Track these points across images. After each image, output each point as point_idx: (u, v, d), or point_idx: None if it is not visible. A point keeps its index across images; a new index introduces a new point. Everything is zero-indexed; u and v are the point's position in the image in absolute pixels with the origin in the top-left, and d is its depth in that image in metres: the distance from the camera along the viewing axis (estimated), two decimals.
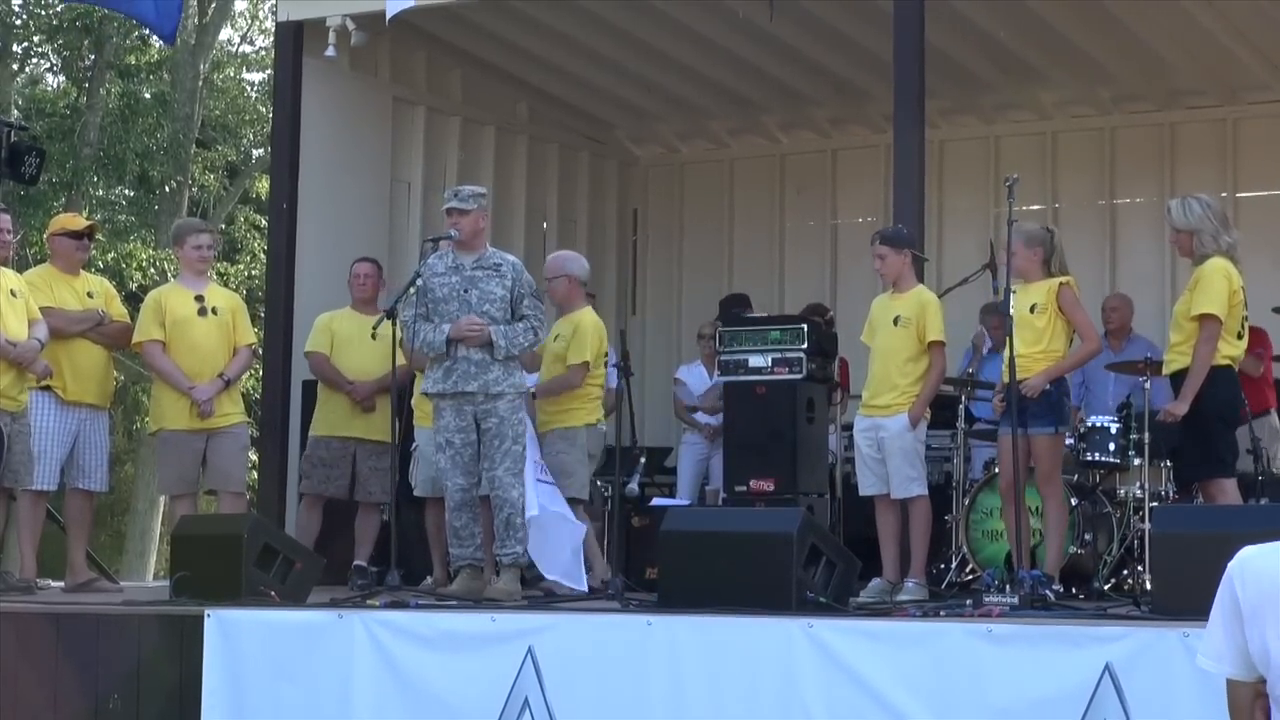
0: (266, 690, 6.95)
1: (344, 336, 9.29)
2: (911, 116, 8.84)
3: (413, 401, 8.90)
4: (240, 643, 7.03)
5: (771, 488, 8.84)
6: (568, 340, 8.71)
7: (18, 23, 23.75)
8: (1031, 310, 7.76)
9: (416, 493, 8.89)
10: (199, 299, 8.96)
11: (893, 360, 8.15)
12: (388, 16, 9.53)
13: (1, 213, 8.75)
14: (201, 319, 8.92)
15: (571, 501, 8.55)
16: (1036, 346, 7.75)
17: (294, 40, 10.57)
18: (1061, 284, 7.79)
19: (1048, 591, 7.09)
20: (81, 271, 9.24)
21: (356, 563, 9.17)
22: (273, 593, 7.44)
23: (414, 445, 8.94)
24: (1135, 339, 10.21)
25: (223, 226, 23.56)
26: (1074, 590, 8.22)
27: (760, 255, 13.33)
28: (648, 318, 13.48)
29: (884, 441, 8.11)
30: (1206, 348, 7.32)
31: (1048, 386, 7.70)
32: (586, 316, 8.85)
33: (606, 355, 8.96)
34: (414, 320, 7.98)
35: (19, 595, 8.29)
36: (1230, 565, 3.48)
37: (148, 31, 22.51)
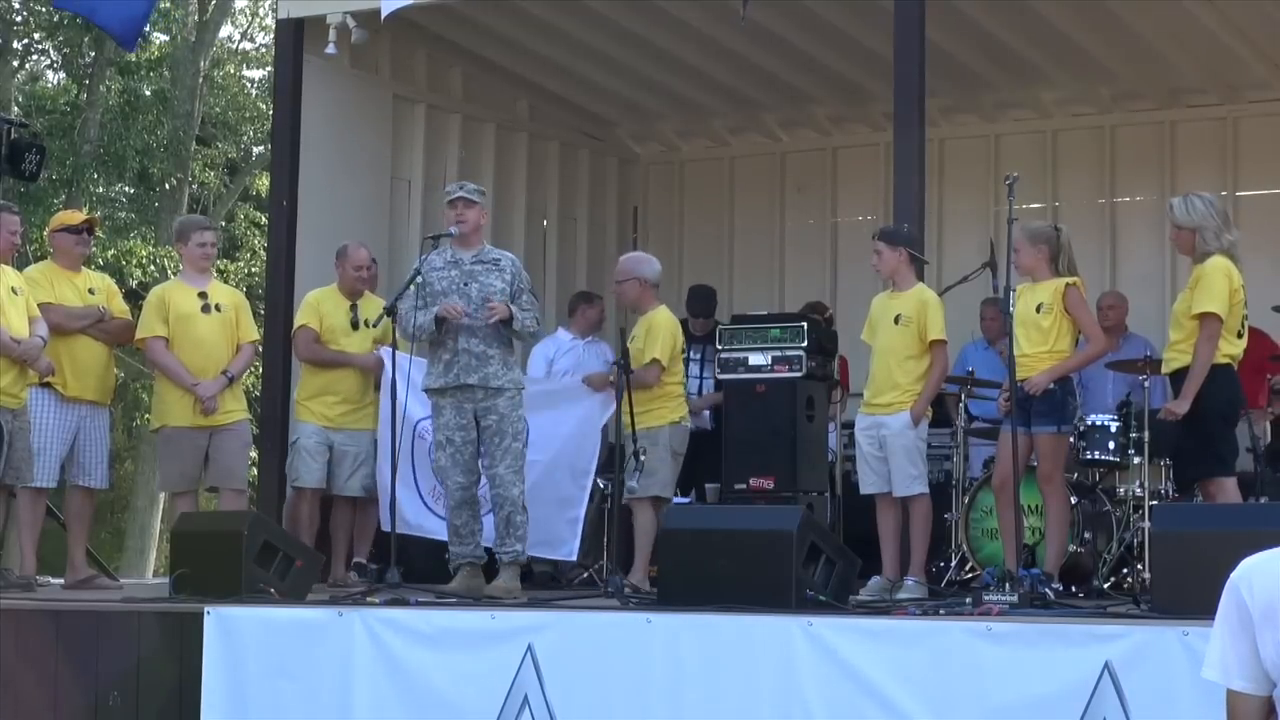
0: (266, 687, 6.94)
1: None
2: (912, 115, 8.84)
3: (295, 395, 9.02)
4: (240, 640, 7.02)
5: (771, 486, 8.84)
6: (642, 340, 8.72)
7: (18, 19, 23.75)
8: (1037, 310, 7.76)
9: (296, 484, 8.96)
10: (202, 295, 8.98)
11: (894, 359, 8.15)
12: (383, 14, 9.55)
13: (12, 214, 8.76)
14: (205, 316, 8.93)
15: (655, 500, 8.60)
16: (1042, 346, 7.75)
17: (294, 37, 10.57)
18: (1068, 284, 7.78)
19: (1047, 590, 7.10)
20: (83, 268, 9.24)
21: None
22: (272, 590, 7.45)
23: (294, 439, 9.00)
24: (1131, 337, 10.21)
25: (223, 224, 23.56)
26: (1074, 589, 8.23)
27: (760, 253, 13.32)
28: None
29: (886, 440, 8.11)
30: (1207, 346, 7.32)
31: (1052, 386, 7.70)
32: (660, 315, 8.90)
33: (684, 352, 8.97)
34: (411, 311, 8.03)
35: (19, 592, 8.28)
36: (1234, 575, 3.48)
37: (147, 29, 22.55)
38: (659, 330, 8.78)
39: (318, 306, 9.22)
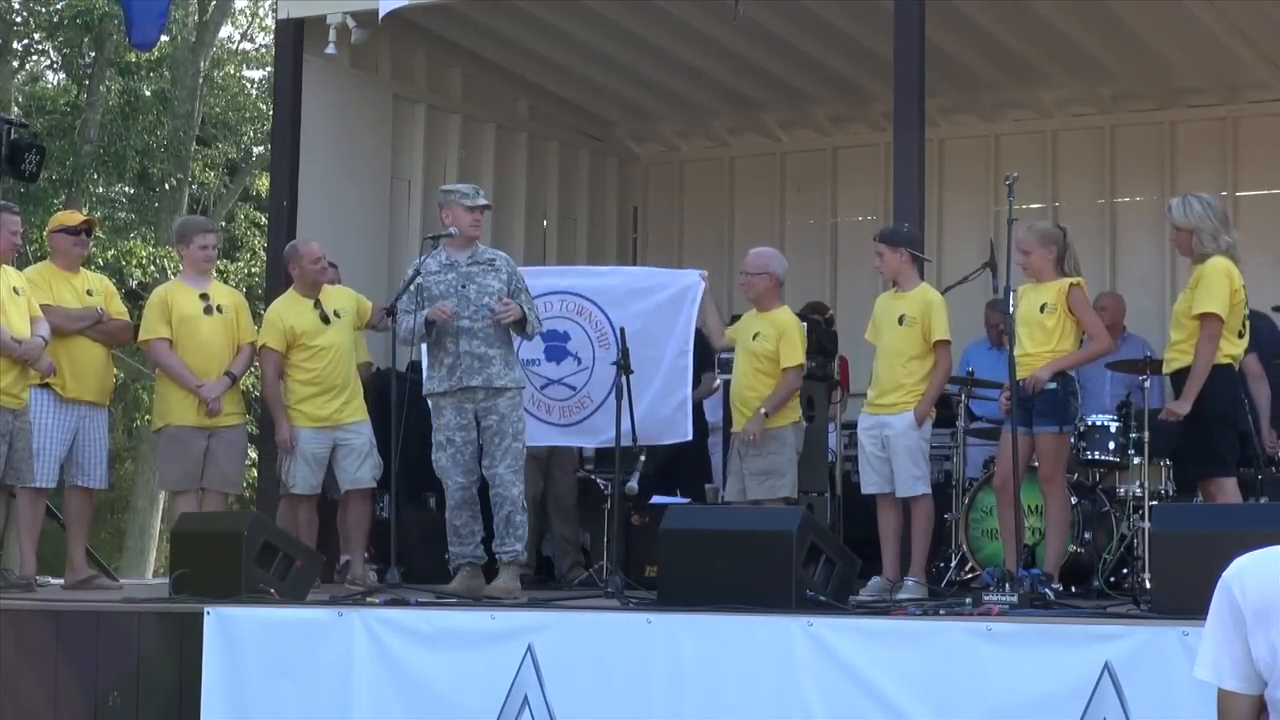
0: (266, 688, 6.95)
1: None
2: (912, 115, 8.85)
3: (286, 401, 8.96)
4: (240, 640, 7.02)
5: None
6: (773, 341, 8.62)
7: (18, 20, 23.75)
8: (1042, 310, 7.76)
9: (294, 491, 8.92)
10: (204, 297, 8.98)
11: (898, 359, 8.15)
12: (380, 14, 9.55)
13: (12, 215, 8.76)
14: (207, 317, 8.93)
15: (783, 500, 8.50)
16: (1046, 346, 7.74)
17: (294, 38, 10.58)
18: (1072, 285, 7.78)
19: (1047, 590, 7.10)
20: (81, 269, 9.24)
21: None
22: (272, 590, 7.45)
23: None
24: (1130, 338, 10.20)
25: (223, 224, 23.55)
26: (1073, 589, 8.22)
27: None
28: None
29: (890, 440, 8.10)
30: (1208, 347, 7.31)
31: (1053, 385, 7.69)
32: (789, 316, 8.79)
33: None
34: (405, 316, 8.03)
35: (18, 593, 8.29)
36: (1226, 575, 3.47)
37: None
38: (794, 333, 8.65)
39: (279, 322, 8.96)
